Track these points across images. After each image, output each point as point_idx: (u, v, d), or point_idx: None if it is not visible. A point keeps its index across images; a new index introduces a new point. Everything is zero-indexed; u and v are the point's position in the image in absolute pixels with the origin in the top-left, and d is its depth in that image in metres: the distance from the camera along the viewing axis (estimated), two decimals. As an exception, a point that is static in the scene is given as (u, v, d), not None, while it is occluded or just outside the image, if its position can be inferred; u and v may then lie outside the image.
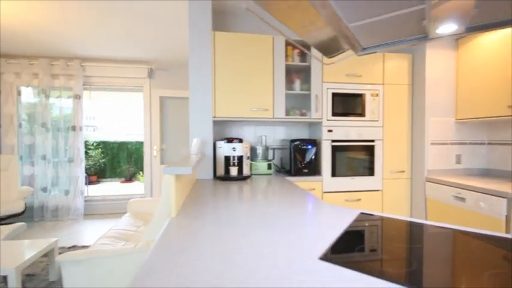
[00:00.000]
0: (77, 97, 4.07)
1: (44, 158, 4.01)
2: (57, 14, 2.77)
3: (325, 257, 0.74)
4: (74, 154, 4.08)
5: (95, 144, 7.20)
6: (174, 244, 0.84)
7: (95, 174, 7.04)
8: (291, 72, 2.59)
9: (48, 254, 2.24)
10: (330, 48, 1.16)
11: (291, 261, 0.72)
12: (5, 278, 1.88)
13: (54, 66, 4.04)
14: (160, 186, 4.41)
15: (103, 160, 7.22)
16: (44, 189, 4.02)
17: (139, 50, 3.91)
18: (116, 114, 7.61)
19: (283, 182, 2.05)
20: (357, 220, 1.09)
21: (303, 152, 2.40)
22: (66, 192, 4.06)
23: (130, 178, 7.30)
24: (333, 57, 1.24)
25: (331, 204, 1.33)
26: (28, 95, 4.13)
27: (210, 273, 0.65)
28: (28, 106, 4.10)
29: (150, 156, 4.47)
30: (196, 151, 2.00)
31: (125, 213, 2.91)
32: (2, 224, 3.79)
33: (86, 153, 7.08)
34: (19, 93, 4.03)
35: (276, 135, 2.76)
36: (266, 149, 2.48)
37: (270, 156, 2.56)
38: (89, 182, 6.88)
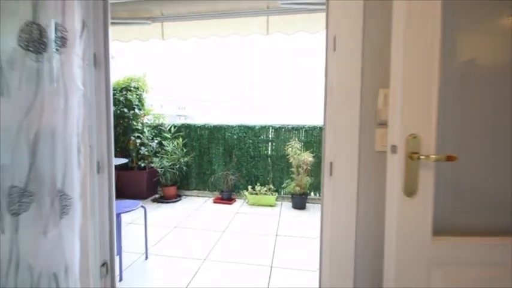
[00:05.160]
0: None
1: None
2: None
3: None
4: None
5: (173, 129, 4.22)
6: None
7: (173, 184, 4.04)
8: None
9: None
10: None
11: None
12: None
13: None
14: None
15: (186, 159, 4.19)
16: None
17: None
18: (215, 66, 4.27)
19: None
20: None
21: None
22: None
23: (229, 195, 4.02)
24: None
25: None
26: None
27: None
28: None
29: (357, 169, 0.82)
30: None
31: None
32: None
33: (160, 144, 4.18)
34: None
35: None
36: None
37: None
38: (165, 199, 3.95)
